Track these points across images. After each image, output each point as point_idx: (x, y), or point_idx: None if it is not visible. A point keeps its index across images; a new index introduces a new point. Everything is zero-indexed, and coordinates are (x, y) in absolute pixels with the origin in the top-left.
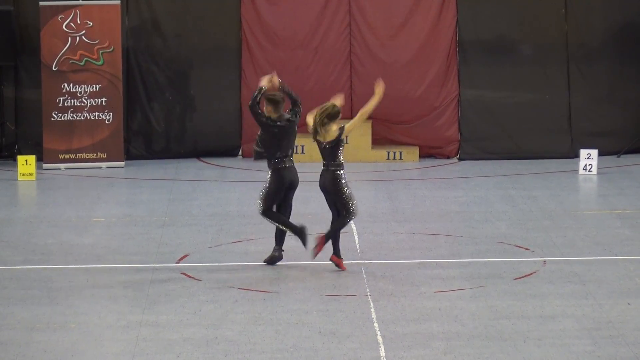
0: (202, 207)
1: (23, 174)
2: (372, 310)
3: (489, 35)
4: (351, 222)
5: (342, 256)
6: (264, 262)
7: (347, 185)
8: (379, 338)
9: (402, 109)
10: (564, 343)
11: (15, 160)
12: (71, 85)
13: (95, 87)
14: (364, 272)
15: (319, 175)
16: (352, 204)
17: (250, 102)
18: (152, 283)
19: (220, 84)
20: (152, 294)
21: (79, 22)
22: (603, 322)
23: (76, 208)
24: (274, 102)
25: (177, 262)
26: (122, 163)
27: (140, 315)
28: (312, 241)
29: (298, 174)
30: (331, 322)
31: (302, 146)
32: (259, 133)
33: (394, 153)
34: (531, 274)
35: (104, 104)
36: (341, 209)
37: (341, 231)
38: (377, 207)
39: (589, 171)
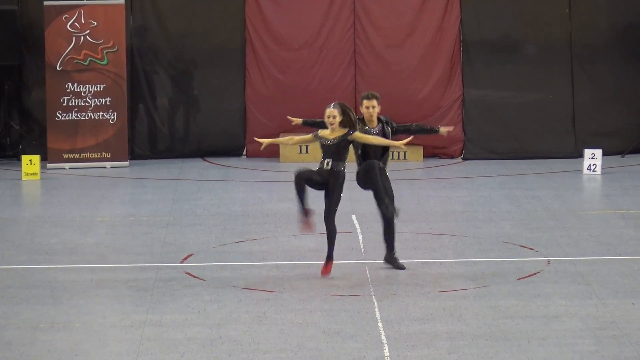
0: (206, 206)
1: (27, 174)
2: (376, 309)
3: (492, 35)
4: (355, 222)
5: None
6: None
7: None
8: (383, 338)
9: (406, 109)
10: (568, 343)
11: (19, 159)
12: (75, 84)
13: (100, 87)
14: (368, 272)
15: None
16: None
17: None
18: (156, 283)
19: (224, 84)
20: (156, 293)
21: (83, 21)
22: (607, 322)
23: (80, 208)
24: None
25: (181, 262)
26: (127, 163)
27: (144, 315)
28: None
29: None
30: (335, 322)
31: (307, 146)
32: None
33: (398, 153)
34: (535, 273)
35: (108, 103)
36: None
37: (345, 231)
38: None
39: (593, 171)
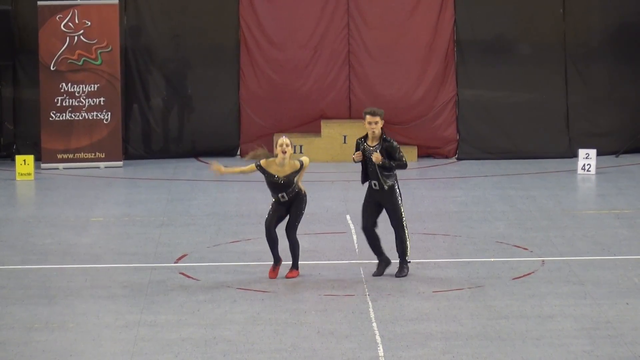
0: (201, 207)
1: (21, 174)
2: (371, 310)
3: (486, 35)
4: (349, 222)
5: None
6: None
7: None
8: (378, 338)
9: (400, 109)
10: (563, 343)
11: (13, 160)
12: (69, 85)
13: (94, 87)
14: (362, 272)
15: (315, 174)
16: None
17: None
18: (150, 283)
19: (218, 84)
20: (150, 293)
21: (77, 21)
22: (601, 322)
23: (74, 208)
24: None
25: (176, 262)
26: (121, 163)
27: (139, 315)
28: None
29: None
30: (330, 322)
31: (301, 146)
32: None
33: None
34: (529, 273)
35: (102, 103)
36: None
37: (339, 231)
38: None
39: (588, 171)
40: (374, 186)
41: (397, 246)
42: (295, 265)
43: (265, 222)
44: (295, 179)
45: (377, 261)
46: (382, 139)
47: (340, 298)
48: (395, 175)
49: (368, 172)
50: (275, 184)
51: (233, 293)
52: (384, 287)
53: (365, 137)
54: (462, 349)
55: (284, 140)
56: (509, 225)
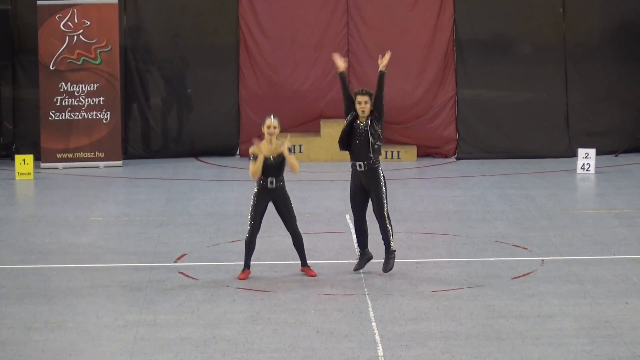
0: (200, 206)
1: (21, 173)
2: (370, 309)
3: (486, 34)
4: (349, 221)
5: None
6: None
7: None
8: (377, 337)
9: (400, 109)
10: (562, 342)
11: (13, 159)
12: (69, 84)
13: (93, 87)
14: (361, 272)
15: (314, 174)
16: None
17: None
18: (149, 282)
19: (218, 83)
20: (149, 293)
21: (76, 21)
22: (601, 322)
23: (74, 207)
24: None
25: (175, 262)
26: (120, 162)
27: (138, 315)
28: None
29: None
30: (329, 322)
31: (300, 145)
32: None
33: (392, 152)
34: (529, 273)
35: (101, 103)
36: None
37: (339, 231)
38: None
39: (587, 170)
40: (358, 167)
41: (382, 236)
42: (306, 262)
43: (250, 228)
44: (285, 155)
45: (375, 261)
46: (371, 114)
47: (339, 297)
48: (380, 161)
49: (354, 150)
50: (269, 166)
51: (232, 292)
52: (384, 287)
53: (357, 116)
54: (462, 349)
55: (271, 121)
56: (508, 224)
